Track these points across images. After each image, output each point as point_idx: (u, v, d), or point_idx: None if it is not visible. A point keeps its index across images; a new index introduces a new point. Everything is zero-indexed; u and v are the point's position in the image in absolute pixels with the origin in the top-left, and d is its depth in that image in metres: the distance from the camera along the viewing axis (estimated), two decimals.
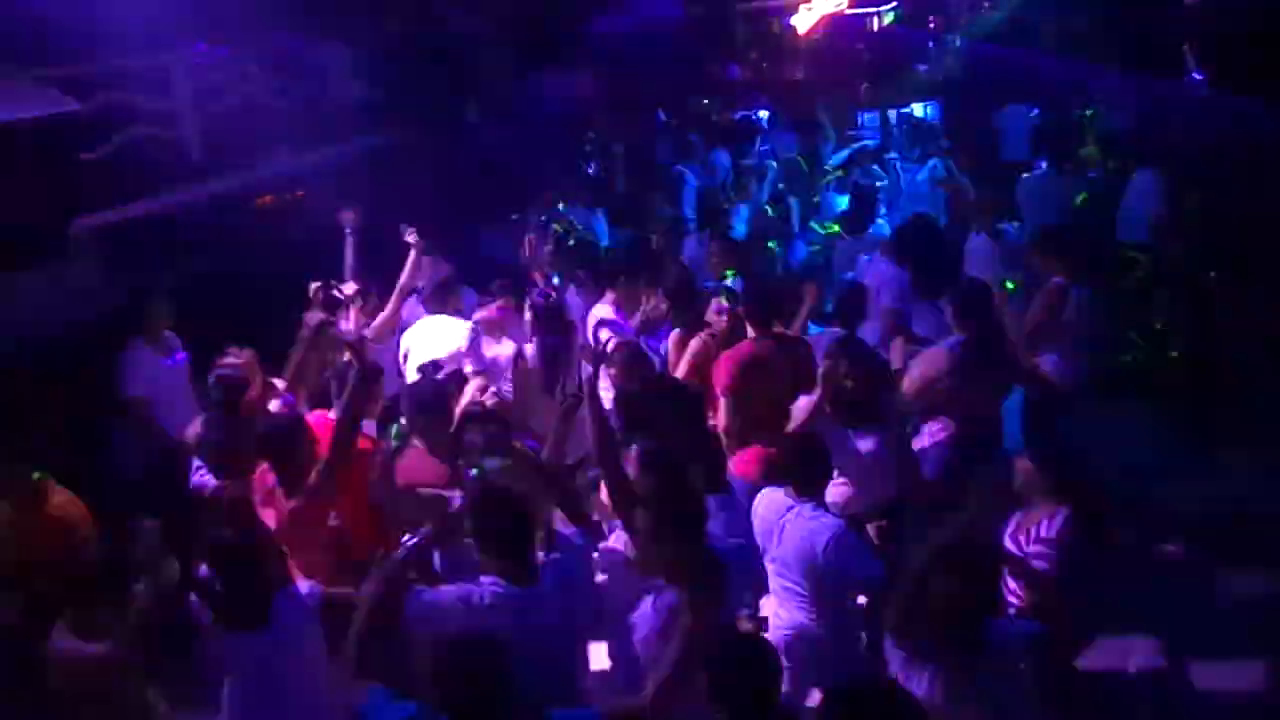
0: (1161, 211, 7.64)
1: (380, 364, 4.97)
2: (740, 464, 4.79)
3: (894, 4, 15.36)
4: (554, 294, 6.05)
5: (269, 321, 6.02)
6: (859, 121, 13.09)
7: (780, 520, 3.89)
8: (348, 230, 6.23)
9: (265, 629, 3.34)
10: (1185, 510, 5.63)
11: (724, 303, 5.53)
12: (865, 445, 4.48)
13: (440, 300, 5.96)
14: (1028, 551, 3.71)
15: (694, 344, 5.43)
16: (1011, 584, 3.78)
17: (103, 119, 6.51)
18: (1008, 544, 3.82)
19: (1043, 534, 3.71)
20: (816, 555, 3.73)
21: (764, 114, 12.27)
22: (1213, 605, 4.98)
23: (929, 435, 5.02)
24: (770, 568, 3.97)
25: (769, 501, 4.01)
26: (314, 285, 5.88)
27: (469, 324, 5.73)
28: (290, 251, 7.74)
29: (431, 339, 5.61)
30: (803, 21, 14.68)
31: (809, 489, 3.93)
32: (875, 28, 15.93)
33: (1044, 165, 8.68)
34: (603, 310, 6.06)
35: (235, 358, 4.97)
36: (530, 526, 3.35)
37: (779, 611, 3.97)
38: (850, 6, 14.87)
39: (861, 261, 7.05)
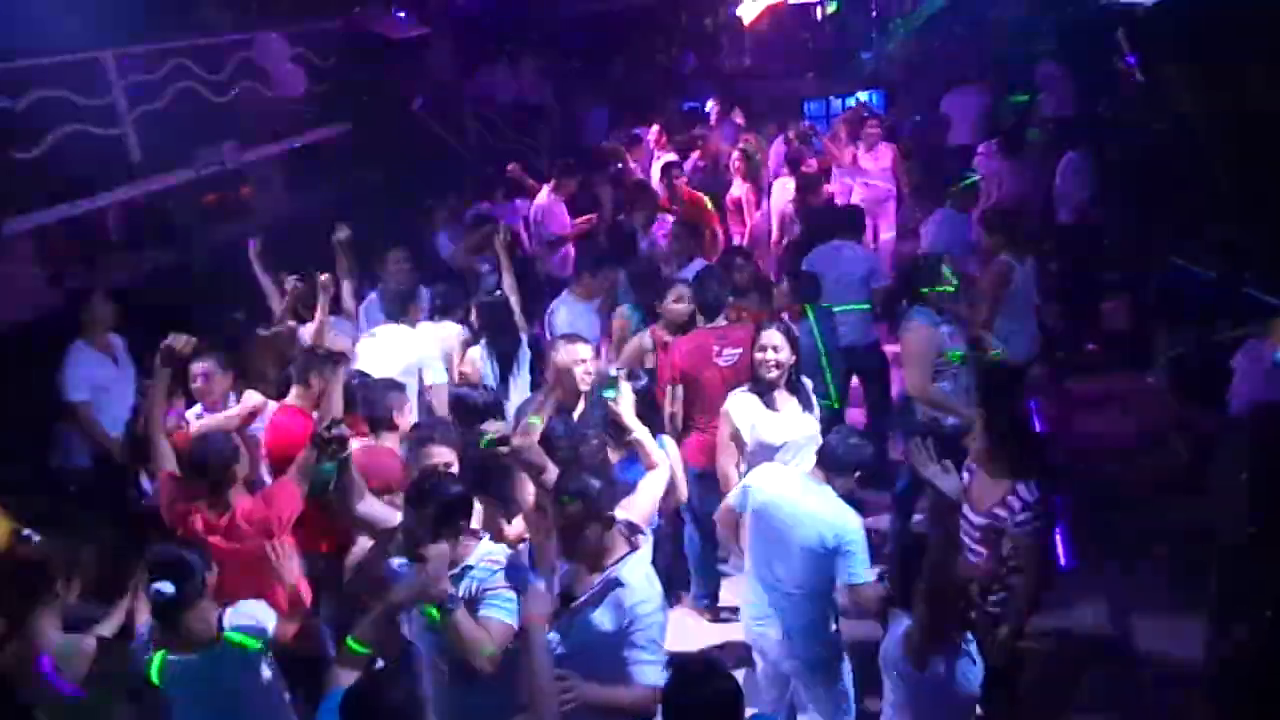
0: (1084, 194, 7.98)
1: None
2: (688, 451, 4.85)
3: None
4: (499, 291, 5.95)
5: (217, 321, 5.94)
6: (805, 110, 13.22)
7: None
8: (252, 254, 6.08)
9: (213, 649, 3.27)
10: None
11: (683, 292, 5.53)
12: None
13: (400, 308, 5.85)
14: (1017, 520, 3.76)
15: (638, 341, 5.52)
16: (982, 552, 3.87)
17: (37, 117, 6.35)
18: (976, 518, 3.89)
19: (1025, 498, 3.76)
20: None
21: (710, 104, 12.28)
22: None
23: None
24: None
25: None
26: (290, 279, 5.82)
27: (429, 334, 5.65)
28: (236, 249, 7.64)
29: (383, 352, 5.46)
30: (748, 11, 14.76)
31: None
32: (819, 17, 16.06)
33: (993, 149, 8.80)
34: (564, 306, 6.08)
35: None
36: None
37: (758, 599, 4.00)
38: None
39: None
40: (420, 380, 5.39)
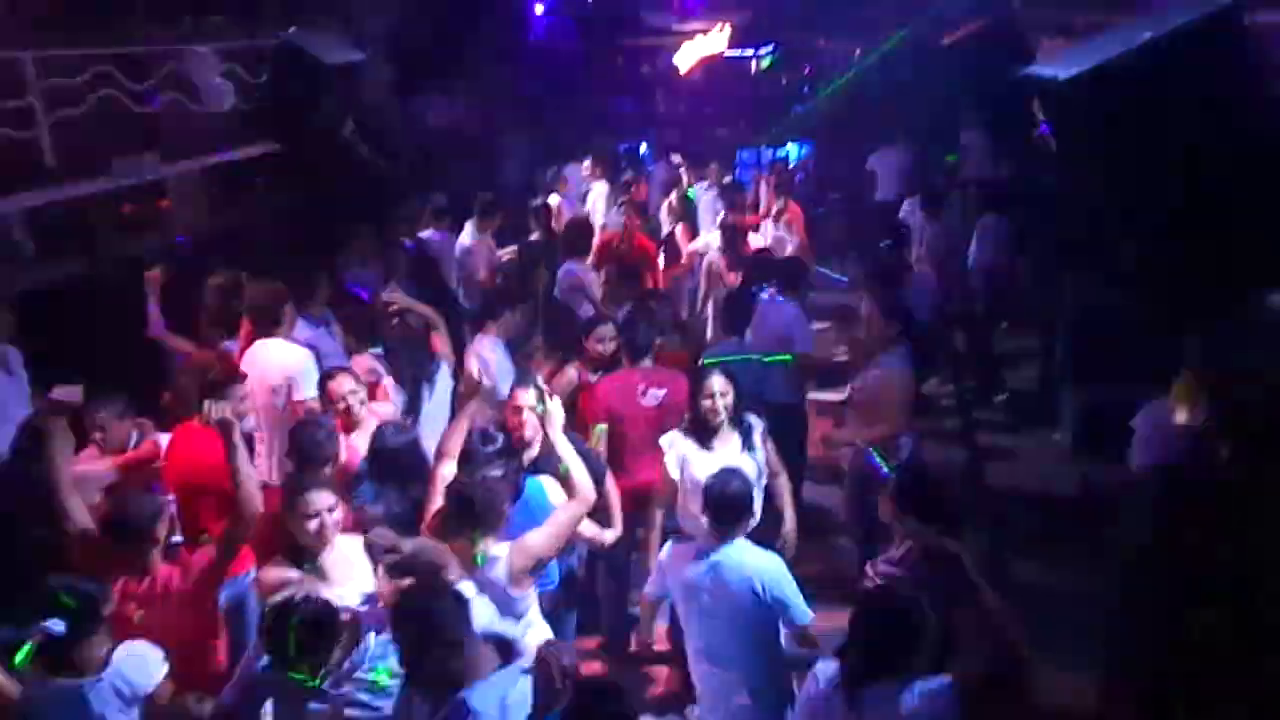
0: (999, 258, 8.27)
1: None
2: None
3: (772, 49, 15.88)
4: (411, 323, 5.89)
5: (124, 337, 5.75)
6: (738, 157, 13.47)
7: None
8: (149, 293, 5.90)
9: (95, 682, 3.15)
10: None
11: (609, 332, 5.55)
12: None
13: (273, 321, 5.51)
14: (877, 570, 3.84)
15: (569, 373, 5.48)
16: None
17: None
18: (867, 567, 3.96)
19: (892, 556, 3.84)
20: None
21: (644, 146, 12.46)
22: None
23: None
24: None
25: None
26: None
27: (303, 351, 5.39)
28: (153, 263, 7.44)
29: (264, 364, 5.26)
30: (684, 60, 15.03)
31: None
32: (754, 70, 16.44)
33: (916, 207, 9.05)
34: (486, 346, 5.94)
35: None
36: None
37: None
38: (730, 48, 15.31)
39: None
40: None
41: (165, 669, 3.30)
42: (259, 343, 5.35)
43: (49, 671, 3.14)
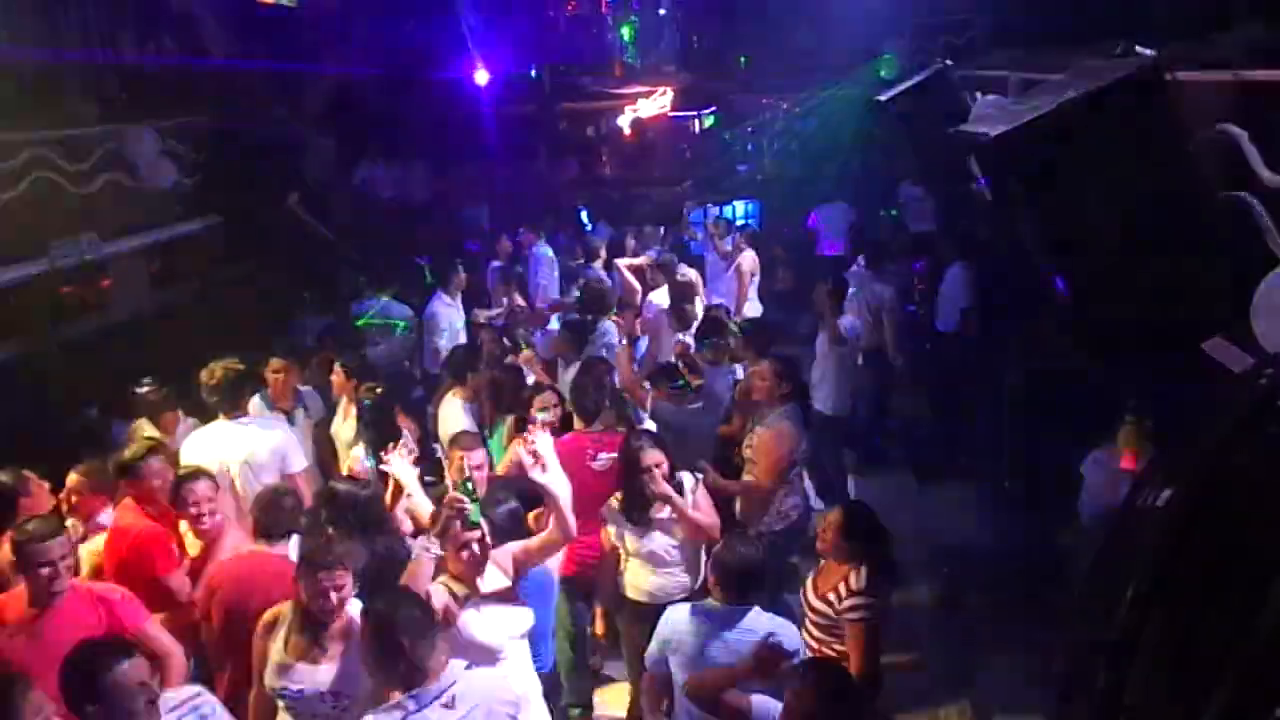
0: (964, 304, 8.39)
1: None
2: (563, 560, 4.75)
3: (713, 109, 16.16)
4: (378, 392, 5.88)
5: (59, 422, 5.63)
6: (686, 216, 13.62)
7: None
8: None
9: None
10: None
11: (550, 400, 5.55)
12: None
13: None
14: (844, 605, 3.98)
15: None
16: (820, 638, 4.08)
17: None
18: (814, 601, 4.10)
19: (852, 587, 3.98)
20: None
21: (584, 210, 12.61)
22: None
23: None
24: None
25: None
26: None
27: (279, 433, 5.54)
28: (92, 347, 7.30)
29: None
30: (628, 122, 15.25)
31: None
32: (697, 129, 16.70)
33: (862, 263, 9.16)
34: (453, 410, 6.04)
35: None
36: None
37: None
38: (673, 110, 15.56)
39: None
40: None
41: None
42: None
43: None
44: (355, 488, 4.51)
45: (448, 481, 4.38)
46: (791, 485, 5.49)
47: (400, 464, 4.45)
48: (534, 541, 4.00)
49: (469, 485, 3.80)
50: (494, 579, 3.82)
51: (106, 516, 4.84)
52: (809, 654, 4.01)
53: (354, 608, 3.67)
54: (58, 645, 3.60)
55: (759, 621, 3.73)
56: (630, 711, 4.97)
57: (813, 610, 4.12)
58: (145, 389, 5.91)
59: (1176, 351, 3.85)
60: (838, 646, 4.09)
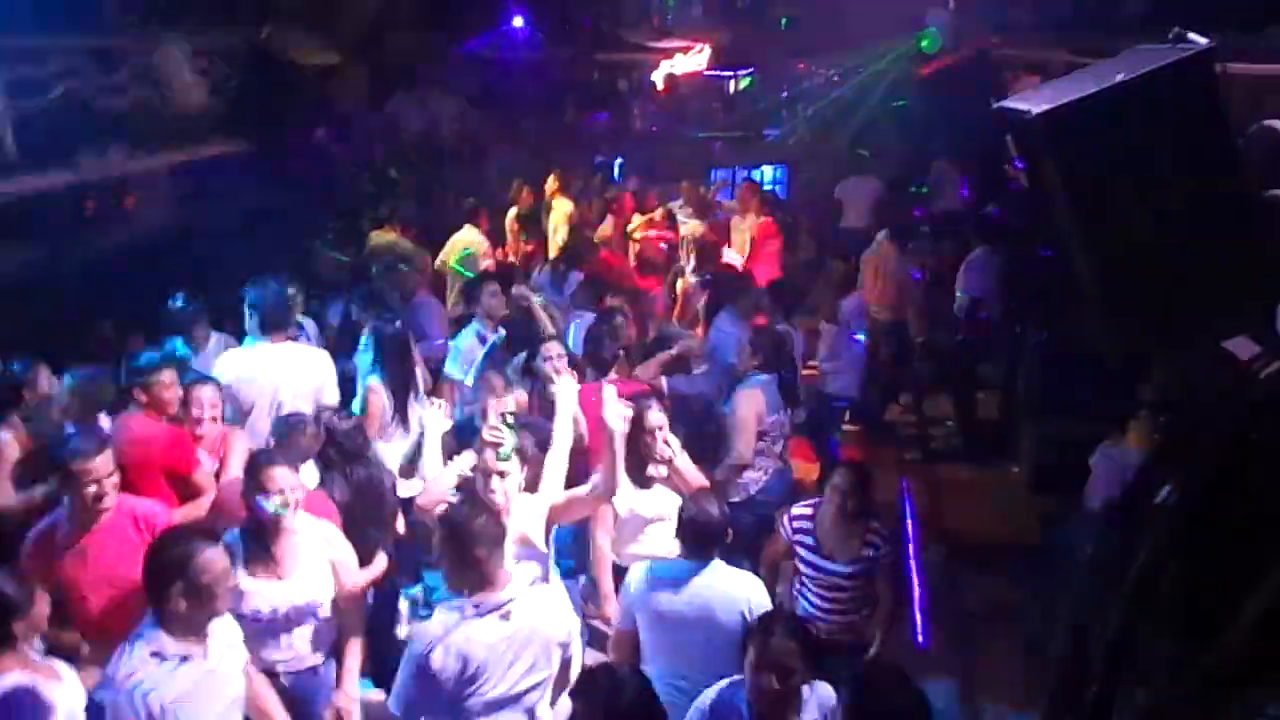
0: (986, 291, 8.26)
1: None
2: None
3: (750, 70, 15.96)
4: (397, 322, 5.89)
5: (77, 335, 5.65)
6: (712, 178, 13.52)
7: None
8: None
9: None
10: None
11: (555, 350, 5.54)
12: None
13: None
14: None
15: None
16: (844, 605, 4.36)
17: None
18: (840, 567, 4.33)
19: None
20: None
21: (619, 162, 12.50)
22: None
23: None
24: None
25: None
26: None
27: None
28: (111, 262, 7.31)
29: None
30: (662, 77, 15.08)
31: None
32: (732, 90, 16.51)
33: (882, 236, 9.06)
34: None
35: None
36: None
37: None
38: (709, 69, 15.37)
39: None
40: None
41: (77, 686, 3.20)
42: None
43: None
44: (337, 418, 4.60)
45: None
46: (759, 457, 5.37)
47: (434, 416, 4.46)
48: (581, 492, 4.06)
49: (509, 419, 3.98)
50: (520, 524, 3.87)
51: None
52: (824, 625, 4.32)
53: (303, 524, 3.80)
54: (104, 564, 3.75)
55: (719, 575, 3.77)
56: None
57: (845, 577, 4.32)
58: (179, 303, 5.87)
59: (1199, 348, 3.82)
60: (856, 615, 4.41)
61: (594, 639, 5.55)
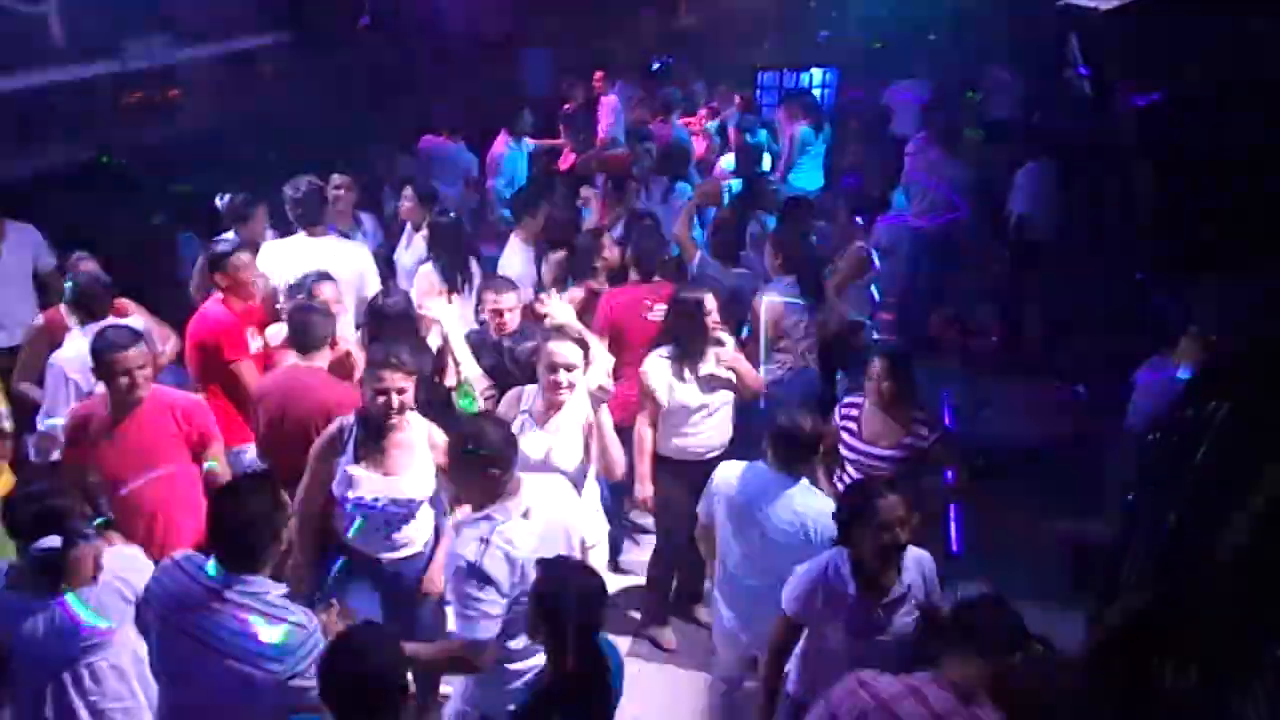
0: (1038, 206, 8.05)
1: None
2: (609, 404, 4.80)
3: None
4: (452, 213, 6.05)
5: (120, 226, 5.71)
6: (759, 81, 13.18)
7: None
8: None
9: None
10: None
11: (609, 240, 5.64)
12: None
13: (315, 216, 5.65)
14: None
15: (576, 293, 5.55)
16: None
17: None
18: (882, 451, 4.34)
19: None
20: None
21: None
22: None
23: None
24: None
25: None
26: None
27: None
28: (154, 154, 7.32)
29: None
30: None
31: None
32: None
33: (922, 138, 8.80)
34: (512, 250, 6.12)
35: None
36: None
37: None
38: None
39: None
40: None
41: (150, 565, 3.22)
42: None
43: (49, 588, 3.08)
44: (389, 301, 4.73)
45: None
46: (777, 353, 5.42)
47: (451, 312, 4.59)
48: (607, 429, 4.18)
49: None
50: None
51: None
52: None
53: (413, 424, 3.88)
54: (138, 453, 3.92)
55: (802, 499, 3.82)
56: (651, 566, 5.12)
57: (884, 460, 4.30)
58: (230, 198, 5.87)
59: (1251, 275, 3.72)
60: None
61: (635, 530, 5.74)
